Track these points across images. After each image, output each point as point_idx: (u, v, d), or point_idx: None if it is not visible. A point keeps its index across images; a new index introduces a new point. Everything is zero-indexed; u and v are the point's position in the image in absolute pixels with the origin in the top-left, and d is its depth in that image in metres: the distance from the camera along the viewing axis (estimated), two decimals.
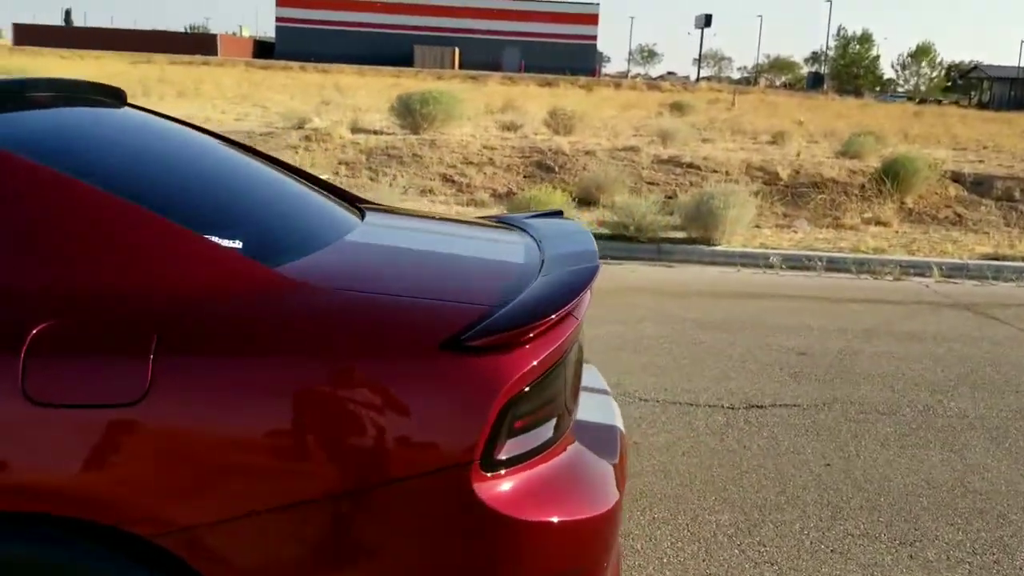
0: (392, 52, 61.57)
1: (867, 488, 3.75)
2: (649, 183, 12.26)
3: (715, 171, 12.58)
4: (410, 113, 13.32)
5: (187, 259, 1.71)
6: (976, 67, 77.16)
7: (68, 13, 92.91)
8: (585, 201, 11.24)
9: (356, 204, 2.85)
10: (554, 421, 1.84)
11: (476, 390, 1.64)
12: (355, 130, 13.37)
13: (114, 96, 2.78)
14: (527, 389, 1.71)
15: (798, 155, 14.00)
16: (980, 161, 15.09)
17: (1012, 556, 3.26)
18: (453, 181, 11.79)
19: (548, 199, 9.24)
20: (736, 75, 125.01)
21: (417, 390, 1.64)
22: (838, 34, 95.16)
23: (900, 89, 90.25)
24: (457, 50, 64.87)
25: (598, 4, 71.47)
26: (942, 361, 5.67)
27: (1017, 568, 3.19)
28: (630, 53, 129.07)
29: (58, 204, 1.70)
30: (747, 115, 26.18)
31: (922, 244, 10.15)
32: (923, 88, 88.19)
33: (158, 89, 20.89)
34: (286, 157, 11.81)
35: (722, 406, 4.67)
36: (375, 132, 13.49)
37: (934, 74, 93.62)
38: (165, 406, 1.57)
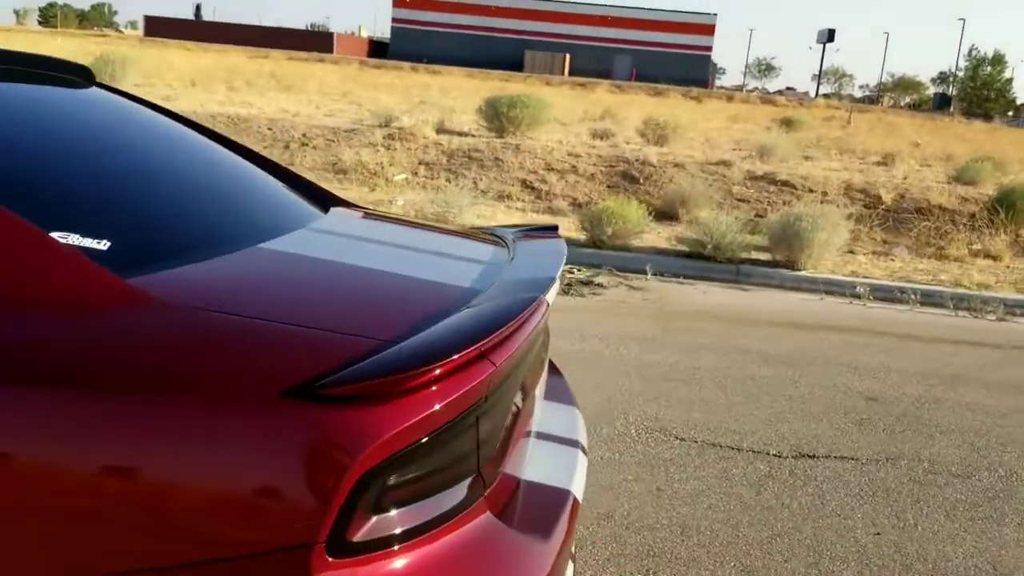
0: (503, 56, 61.64)
1: (919, 567, 3.23)
2: (739, 200, 11.66)
3: (811, 190, 11.87)
4: (497, 116, 13.05)
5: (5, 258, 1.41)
6: None
7: (198, 8, 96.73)
8: (667, 215, 10.74)
9: (329, 204, 2.55)
10: (459, 487, 1.48)
11: (325, 453, 1.29)
12: (440, 131, 13.18)
13: (81, 75, 2.58)
14: (409, 450, 1.35)
15: (905, 178, 13.11)
16: None
17: None
18: (532, 187, 11.45)
19: (622, 211, 8.79)
20: (858, 93, 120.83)
21: (246, 448, 1.29)
22: (969, 54, 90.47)
23: None
24: (568, 56, 64.52)
25: (715, 15, 70.03)
26: None
27: None
28: (747, 66, 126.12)
29: None
30: (860, 135, 24.98)
31: None
32: None
33: (262, 83, 21.25)
34: (365, 155, 11.72)
35: (768, 453, 4.18)
36: (460, 134, 13.27)
37: None
38: None
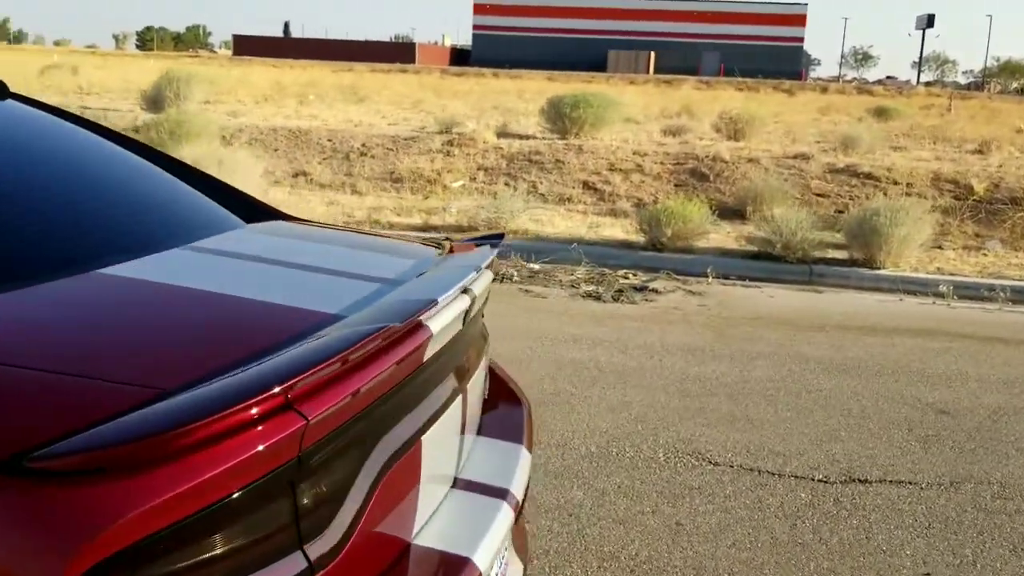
0: (585, 57, 61.13)
1: None
2: (817, 195, 11.01)
3: (896, 183, 11.12)
4: (560, 117, 12.70)
5: None
6: None
7: (287, 25, 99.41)
8: (738, 214, 10.20)
9: (255, 216, 2.28)
10: (268, 572, 1.16)
11: (43, 543, 0.99)
12: (502, 135, 12.90)
13: None
14: (165, 534, 1.04)
15: (1000, 166, 12.20)
16: None
17: None
18: (595, 189, 11.05)
19: (682, 211, 8.33)
20: (962, 80, 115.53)
21: None
22: None
23: None
24: (652, 54, 63.59)
25: (806, 4, 67.97)
26: None
27: None
28: (843, 56, 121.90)
29: None
30: (960, 122, 23.63)
31: None
32: None
33: (335, 96, 21.41)
34: (422, 162, 11.53)
35: (812, 478, 3.73)
36: (522, 137, 12.96)
37: None
38: None
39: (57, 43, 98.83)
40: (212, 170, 8.75)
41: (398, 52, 60.84)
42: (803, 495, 3.57)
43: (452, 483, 1.78)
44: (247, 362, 1.22)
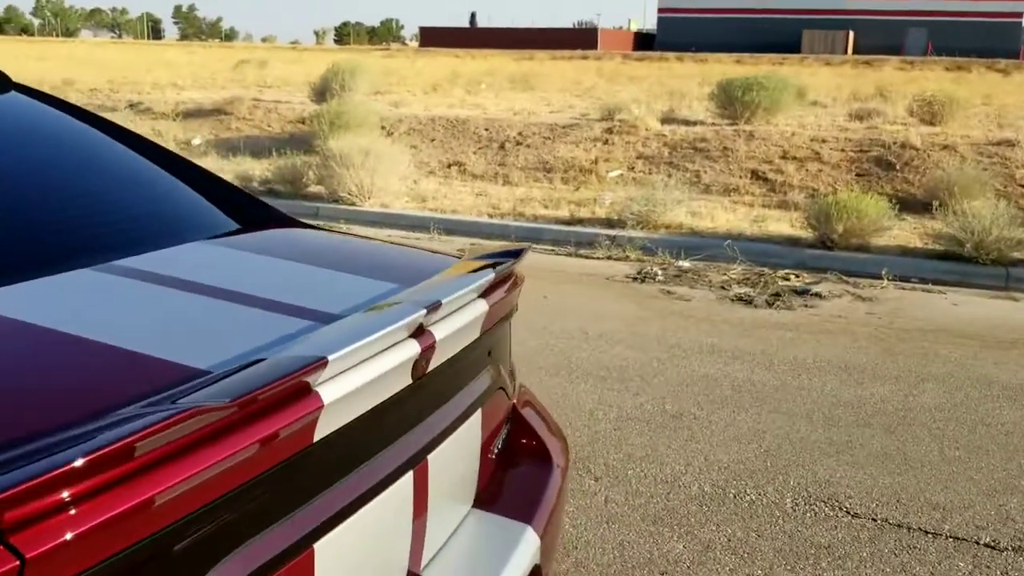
0: (777, 39, 58.24)
1: None
2: (1023, 187, 9.69)
3: None
4: (731, 102, 11.86)
5: None
6: None
7: (473, 16, 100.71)
8: (927, 207, 9.10)
9: (259, 221, 1.96)
10: None
11: None
12: (667, 121, 12.21)
13: None
14: None
15: None
16: None
17: None
18: (764, 179, 10.21)
19: (856, 205, 7.44)
20: None
21: None
22: None
23: None
24: (851, 33, 59.83)
25: None
26: None
27: None
28: None
29: None
30: None
31: None
32: None
33: (507, 84, 21.30)
34: (579, 151, 11.07)
35: (977, 541, 3.03)
36: (688, 123, 12.22)
37: None
38: None
39: (264, 40, 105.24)
40: (357, 161, 8.71)
41: (580, 38, 60.24)
42: (961, 564, 2.88)
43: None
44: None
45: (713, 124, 12.03)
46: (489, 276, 1.51)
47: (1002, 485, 3.46)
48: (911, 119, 13.63)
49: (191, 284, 1.46)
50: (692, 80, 26.55)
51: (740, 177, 10.25)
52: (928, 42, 59.44)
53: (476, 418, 1.58)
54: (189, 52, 41.62)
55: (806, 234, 7.85)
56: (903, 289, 6.72)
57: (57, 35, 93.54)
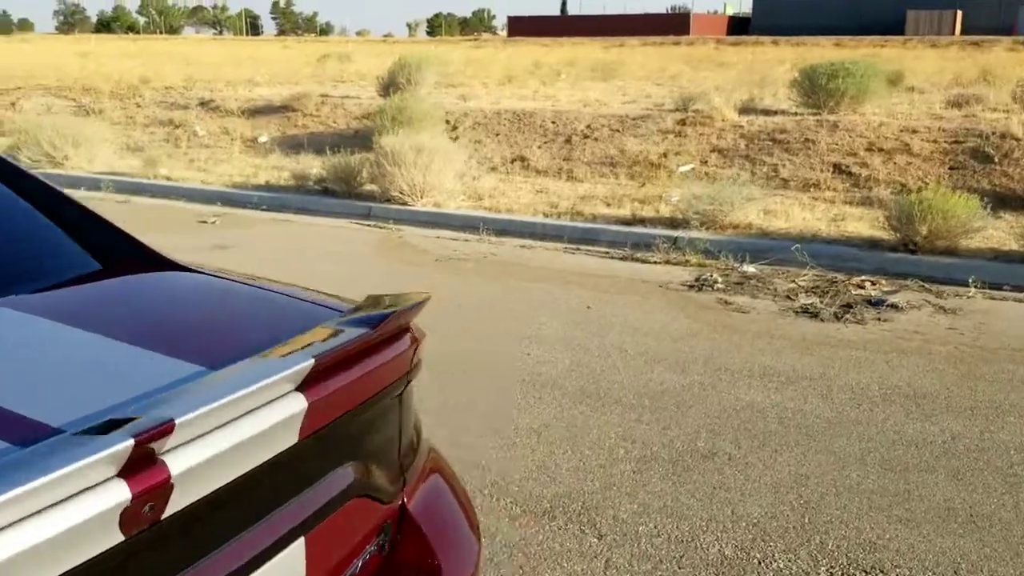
0: (879, 20, 55.74)
1: None
2: None
3: None
4: (814, 90, 11.10)
5: None
6: None
7: (564, 3, 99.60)
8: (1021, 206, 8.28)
9: (120, 266, 1.62)
10: None
11: None
12: (745, 111, 11.52)
13: None
14: None
15: None
16: None
17: None
18: (848, 172, 9.48)
19: (942, 203, 6.73)
20: None
21: None
22: None
23: None
24: (959, 13, 56.81)
25: None
26: None
27: None
28: None
29: None
30: None
31: None
32: None
33: (586, 74, 20.77)
34: (649, 144, 10.53)
35: None
36: (767, 112, 11.51)
37: None
38: None
39: (359, 33, 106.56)
40: (409, 158, 8.38)
41: (672, 24, 58.90)
42: None
43: None
44: None
45: (795, 114, 11.31)
46: (307, 363, 1.12)
47: None
48: (1015, 105, 12.59)
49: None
50: (783, 65, 25.48)
51: (821, 171, 9.55)
52: None
53: (293, 552, 1.19)
54: (284, 47, 42.30)
55: (888, 235, 7.19)
56: (993, 299, 6.03)
57: (161, 32, 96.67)
